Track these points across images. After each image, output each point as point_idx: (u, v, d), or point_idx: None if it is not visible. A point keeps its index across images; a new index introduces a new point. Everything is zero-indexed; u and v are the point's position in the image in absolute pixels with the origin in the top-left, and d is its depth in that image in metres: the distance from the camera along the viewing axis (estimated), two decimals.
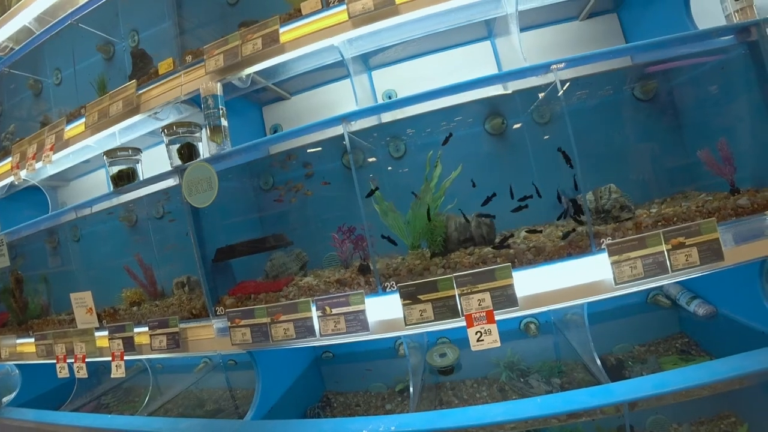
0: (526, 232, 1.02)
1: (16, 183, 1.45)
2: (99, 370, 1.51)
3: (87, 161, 1.54)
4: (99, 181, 1.75)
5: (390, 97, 1.45)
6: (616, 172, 1.09)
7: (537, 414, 0.88)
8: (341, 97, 1.45)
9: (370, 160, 1.22)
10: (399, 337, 1.42)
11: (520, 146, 1.25)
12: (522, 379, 1.22)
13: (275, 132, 1.46)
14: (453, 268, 0.95)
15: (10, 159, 1.49)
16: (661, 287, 1.35)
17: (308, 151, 1.22)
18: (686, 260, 0.81)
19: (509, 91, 1.07)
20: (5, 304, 1.43)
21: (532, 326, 1.40)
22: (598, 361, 1.04)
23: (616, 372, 1.09)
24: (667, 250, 0.81)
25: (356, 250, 1.05)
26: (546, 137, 1.22)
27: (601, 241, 0.87)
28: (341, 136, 0.96)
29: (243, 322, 0.97)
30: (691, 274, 0.79)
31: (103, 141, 1.38)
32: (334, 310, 0.94)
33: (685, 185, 1.10)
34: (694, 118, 1.18)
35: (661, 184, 1.17)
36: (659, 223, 0.87)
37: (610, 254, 0.80)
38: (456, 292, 0.89)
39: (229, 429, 1.06)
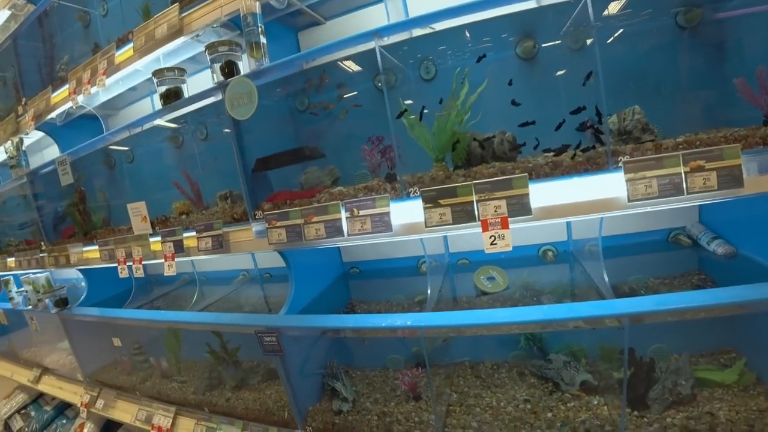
0: (543, 152, 1.06)
1: (74, 108, 1.58)
2: (151, 281, 1.69)
3: (134, 89, 1.65)
4: (146, 109, 1.87)
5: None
6: (649, 103, 1.07)
7: (541, 318, 0.94)
8: (375, 22, 1.47)
9: (396, 81, 1.25)
10: (422, 256, 1.51)
11: (550, 72, 1.25)
12: (534, 298, 1.29)
13: None
14: (473, 177, 1.00)
15: (67, 86, 1.62)
16: (683, 227, 1.37)
17: (340, 62, 1.26)
18: (704, 184, 0.80)
19: (539, 5, 1.07)
20: (71, 217, 1.60)
21: (550, 253, 1.45)
22: (610, 288, 1.09)
23: None
24: (685, 173, 0.80)
25: (384, 158, 1.11)
26: (577, 63, 1.21)
27: (619, 159, 0.88)
28: (373, 59, 1.00)
29: (279, 224, 1.08)
30: (708, 198, 0.79)
31: (150, 65, 1.48)
32: (361, 212, 1.02)
33: (720, 123, 1.09)
34: (737, 52, 1.14)
35: (694, 118, 1.15)
36: (680, 146, 0.87)
37: (626, 172, 0.81)
38: (474, 198, 0.93)
39: (266, 320, 1.20)
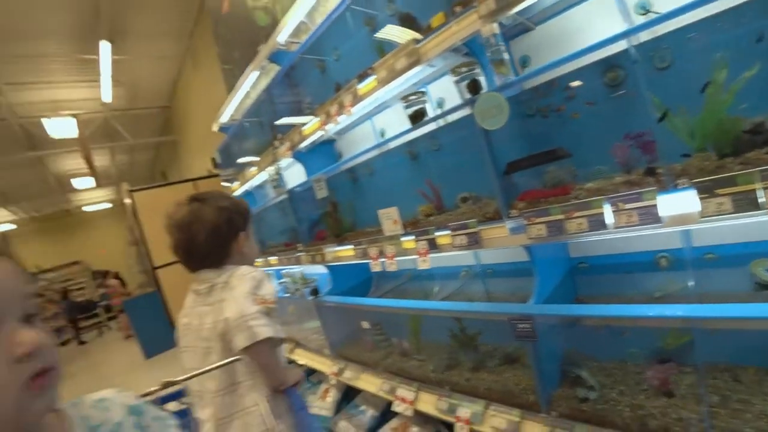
0: None
1: (323, 136, 1.97)
2: (378, 276, 1.99)
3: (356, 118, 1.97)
4: (365, 133, 2.23)
5: (644, 8, 1.42)
6: None
7: None
8: (584, 22, 1.49)
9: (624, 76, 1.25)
10: (660, 250, 1.46)
11: None
12: None
13: (524, 64, 1.60)
14: (750, 164, 0.95)
15: (317, 119, 2.02)
16: None
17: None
18: None
19: None
20: (324, 223, 2.02)
21: None
22: None
23: None
24: None
25: (644, 154, 1.13)
26: None
27: None
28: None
29: (538, 220, 1.18)
30: None
31: (381, 94, 1.76)
32: (627, 206, 1.06)
33: None
34: None
35: None
36: None
37: None
38: (758, 186, 0.89)
39: (518, 309, 1.32)
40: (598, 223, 1.10)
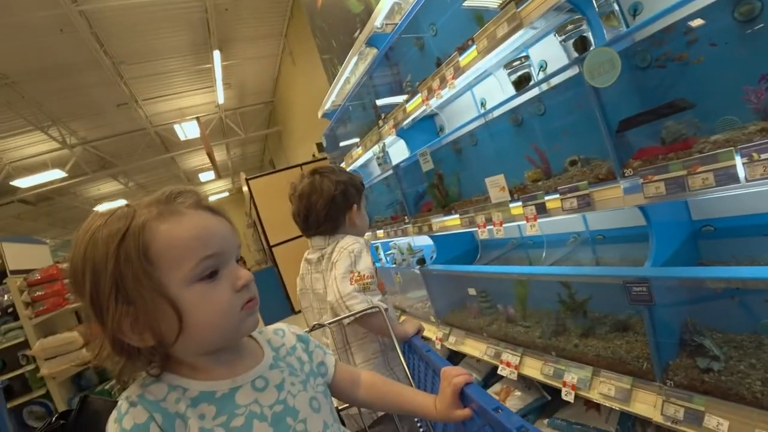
0: None
1: (426, 111, 2.06)
2: (482, 245, 2.04)
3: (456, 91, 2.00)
4: (466, 104, 2.27)
5: None
6: None
7: None
8: None
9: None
10: None
11: None
12: None
13: (635, 12, 1.50)
14: None
15: (417, 96, 2.11)
16: None
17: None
18: None
19: None
20: (430, 194, 2.13)
21: None
22: None
23: None
24: None
25: None
26: None
27: None
28: None
29: (656, 178, 1.14)
30: None
31: (483, 64, 1.78)
32: (762, 156, 0.98)
33: None
34: None
35: None
36: None
37: None
38: None
39: (633, 271, 1.29)
40: (727, 177, 1.02)
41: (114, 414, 0.58)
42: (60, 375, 4.04)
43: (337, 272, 1.28)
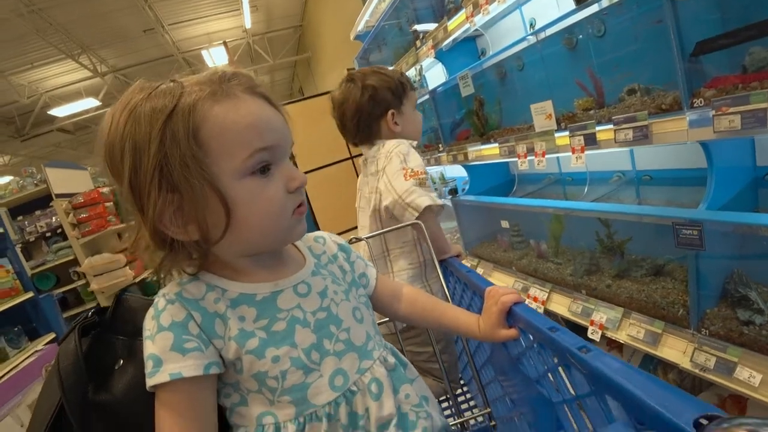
0: None
1: (471, 30, 1.89)
2: (518, 179, 1.96)
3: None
4: (512, 25, 2.06)
5: None
6: None
7: None
8: None
9: None
10: None
11: None
12: None
13: None
14: None
15: (461, 12, 1.92)
16: None
17: None
18: None
19: None
20: (469, 122, 2.02)
21: None
22: None
23: None
24: None
25: None
26: None
27: None
28: None
29: (731, 110, 1.02)
30: None
31: None
32: None
33: None
34: None
35: None
36: None
37: None
38: None
39: (684, 213, 1.21)
40: None
41: (151, 311, 0.56)
42: (108, 290, 4.41)
43: (389, 172, 1.23)
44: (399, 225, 1.21)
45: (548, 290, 1.79)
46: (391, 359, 0.68)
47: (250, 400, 0.57)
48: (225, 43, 9.06)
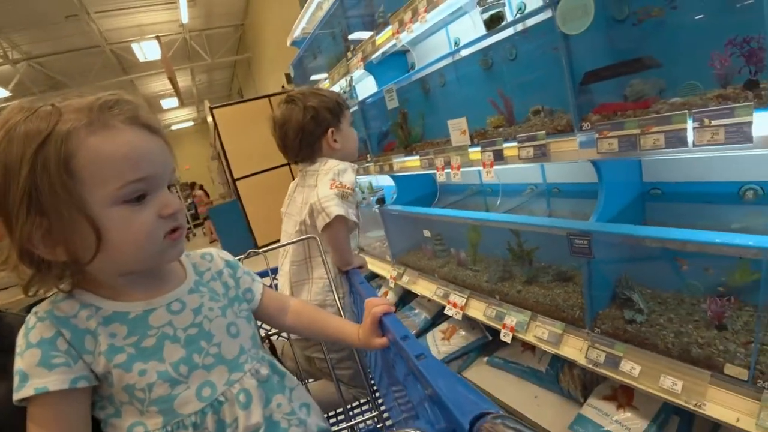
0: None
1: (397, 46, 1.95)
2: (441, 190, 2.05)
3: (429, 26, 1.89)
4: (439, 43, 2.16)
5: None
6: None
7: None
8: None
9: None
10: (747, 182, 1.35)
11: None
12: None
13: None
14: None
15: (389, 28, 1.98)
16: None
17: None
18: None
19: None
20: (394, 133, 2.08)
21: None
22: None
23: None
24: None
25: (748, 64, 1.02)
26: None
27: None
28: None
29: (611, 134, 1.15)
30: None
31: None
32: (713, 122, 0.99)
33: None
34: None
35: None
36: None
37: None
38: None
39: (577, 225, 1.34)
40: (676, 140, 1.04)
41: (23, 329, 0.57)
42: None
43: (321, 182, 1.30)
44: (297, 239, 1.28)
45: (466, 296, 1.88)
46: (265, 371, 0.72)
47: (123, 412, 0.60)
48: (158, 38, 8.57)
